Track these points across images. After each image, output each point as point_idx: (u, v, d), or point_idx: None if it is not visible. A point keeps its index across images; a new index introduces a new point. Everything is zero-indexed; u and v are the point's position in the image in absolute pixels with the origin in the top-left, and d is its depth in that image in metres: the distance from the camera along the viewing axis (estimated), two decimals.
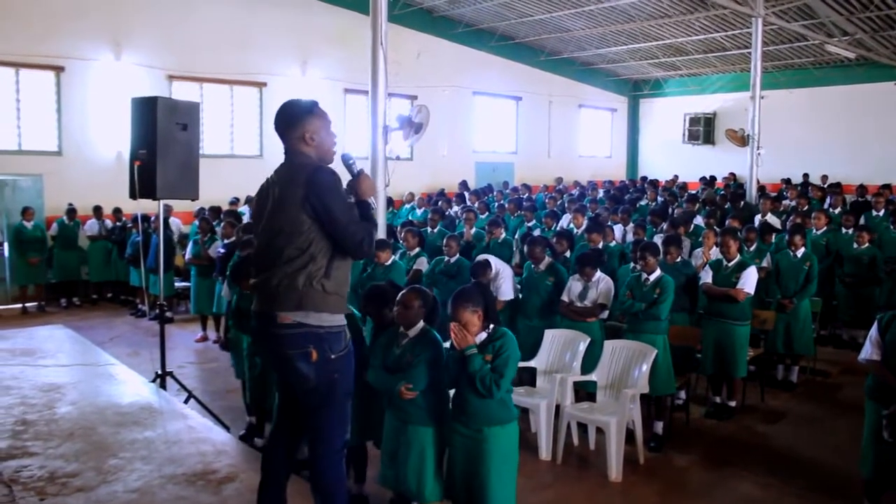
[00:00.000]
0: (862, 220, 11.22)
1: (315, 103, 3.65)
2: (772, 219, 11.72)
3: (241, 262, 6.29)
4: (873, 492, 4.88)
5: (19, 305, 12.57)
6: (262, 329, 3.59)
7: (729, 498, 5.57)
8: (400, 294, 4.51)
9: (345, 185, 3.65)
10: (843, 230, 10.45)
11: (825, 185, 17.19)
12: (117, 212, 13.35)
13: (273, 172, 3.63)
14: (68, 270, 13.12)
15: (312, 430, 3.62)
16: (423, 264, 8.49)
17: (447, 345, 4.37)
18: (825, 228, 10.36)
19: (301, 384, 3.54)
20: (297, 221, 3.41)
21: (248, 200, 13.00)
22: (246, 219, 9.96)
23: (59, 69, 13.95)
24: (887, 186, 15.44)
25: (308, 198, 3.39)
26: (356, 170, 3.74)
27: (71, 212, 13.10)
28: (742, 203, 13.97)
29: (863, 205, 13.51)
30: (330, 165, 3.60)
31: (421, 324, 4.43)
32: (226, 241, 9.46)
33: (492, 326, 4.22)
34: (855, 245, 9.77)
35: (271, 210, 3.51)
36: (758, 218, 11.68)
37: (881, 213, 11.80)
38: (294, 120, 3.58)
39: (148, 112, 6.26)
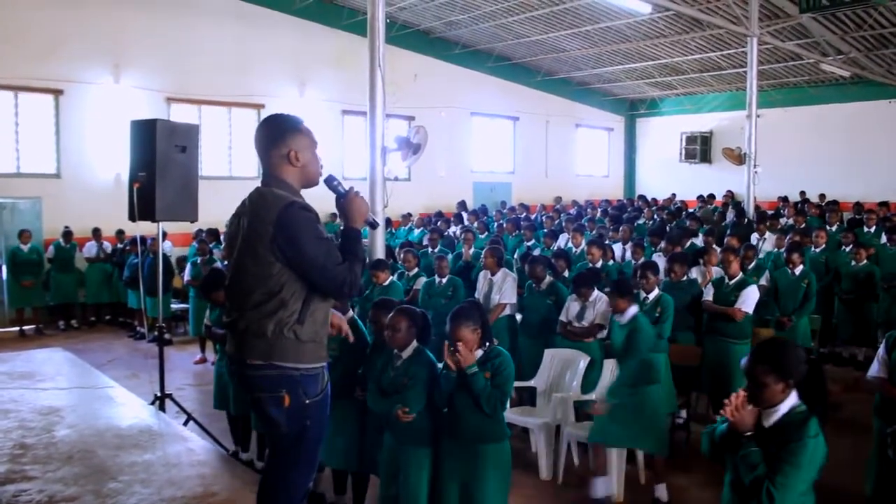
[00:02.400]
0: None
1: (301, 120, 3.30)
2: (769, 237, 11.78)
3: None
4: None
5: (17, 328, 12.54)
6: (234, 371, 3.30)
7: None
8: (388, 317, 4.50)
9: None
10: (843, 247, 10.48)
11: (823, 203, 17.25)
12: (120, 234, 13.35)
13: (247, 197, 3.26)
14: (65, 293, 13.09)
15: (274, 476, 3.32)
16: (421, 284, 8.50)
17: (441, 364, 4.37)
18: (823, 246, 10.39)
19: (270, 429, 3.27)
20: (265, 264, 3.05)
21: None
22: None
23: (58, 92, 14.01)
24: (885, 204, 15.48)
25: (276, 239, 3.02)
26: (342, 190, 3.31)
27: (67, 234, 13.09)
28: (745, 220, 14.00)
29: (860, 222, 13.57)
30: (314, 188, 3.32)
31: (414, 344, 4.41)
32: (225, 263, 9.47)
33: (487, 344, 4.23)
34: (853, 262, 9.79)
35: (240, 245, 3.17)
36: (754, 237, 11.73)
37: (872, 229, 11.93)
38: (279, 136, 3.21)
39: (147, 134, 6.28)
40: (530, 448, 6.48)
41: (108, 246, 13.47)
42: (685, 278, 7.65)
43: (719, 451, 3.22)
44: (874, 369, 4.87)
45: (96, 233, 13.35)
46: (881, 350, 4.86)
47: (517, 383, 4.52)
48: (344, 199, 3.29)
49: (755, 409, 3.09)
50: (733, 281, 7.37)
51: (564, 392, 6.39)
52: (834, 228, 12.44)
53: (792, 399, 3.13)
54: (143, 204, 6.26)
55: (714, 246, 9.76)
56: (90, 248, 13.35)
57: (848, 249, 10.22)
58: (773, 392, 3.08)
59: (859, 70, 18.69)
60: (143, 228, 6.77)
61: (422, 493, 4.26)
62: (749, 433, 3.04)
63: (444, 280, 8.20)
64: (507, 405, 4.26)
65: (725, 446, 3.14)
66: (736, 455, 3.03)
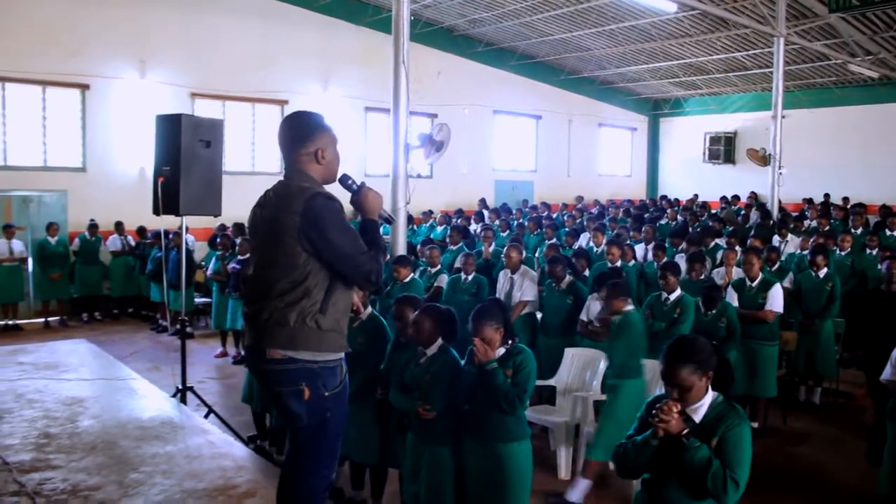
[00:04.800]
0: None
1: (324, 118, 3.36)
2: (792, 239, 11.73)
3: (242, 272, 6.36)
4: None
5: (42, 320, 12.71)
6: (253, 364, 3.34)
7: None
8: (413, 316, 4.51)
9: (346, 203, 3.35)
10: (868, 251, 10.37)
11: (847, 206, 17.05)
12: (142, 231, 13.46)
13: (270, 189, 3.31)
14: (90, 286, 13.24)
15: (295, 467, 3.33)
16: (443, 281, 8.50)
17: (463, 362, 4.37)
18: (849, 249, 10.29)
19: (291, 423, 3.28)
20: (292, 254, 3.08)
21: None
22: None
23: (84, 87, 14.16)
24: None
25: (304, 230, 3.06)
26: (355, 188, 3.37)
27: (92, 227, 13.23)
28: (770, 222, 13.90)
29: (885, 225, 13.42)
30: (331, 183, 3.35)
31: (439, 342, 4.41)
32: (240, 257, 9.56)
33: (510, 342, 4.22)
34: (879, 265, 9.67)
35: (264, 236, 3.22)
36: (776, 239, 11.65)
37: (895, 232, 11.84)
38: (306, 134, 3.26)
39: (172, 129, 6.32)
40: (549, 447, 6.46)
41: (131, 239, 13.59)
42: (703, 277, 7.64)
43: (645, 462, 3.18)
44: (887, 372, 4.90)
45: (119, 226, 13.47)
46: (894, 354, 4.86)
47: (537, 382, 4.50)
48: (357, 195, 3.34)
49: (679, 410, 3.10)
50: (756, 282, 7.32)
51: (584, 391, 6.38)
52: (859, 231, 12.31)
53: (710, 390, 3.18)
54: (168, 198, 6.29)
55: (736, 247, 9.68)
56: (114, 242, 13.48)
57: (874, 253, 10.11)
58: (699, 389, 3.13)
59: (888, 71, 18.46)
60: (167, 222, 6.81)
61: (444, 492, 4.26)
62: (687, 431, 3.03)
63: (470, 277, 8.19)
64: (527, 404, 4.23)
65: (658, 454, 3.11)
66: (684, 456, 3.01)
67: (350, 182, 3.38)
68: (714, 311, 6.77)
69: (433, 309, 4.52)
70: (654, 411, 3.10)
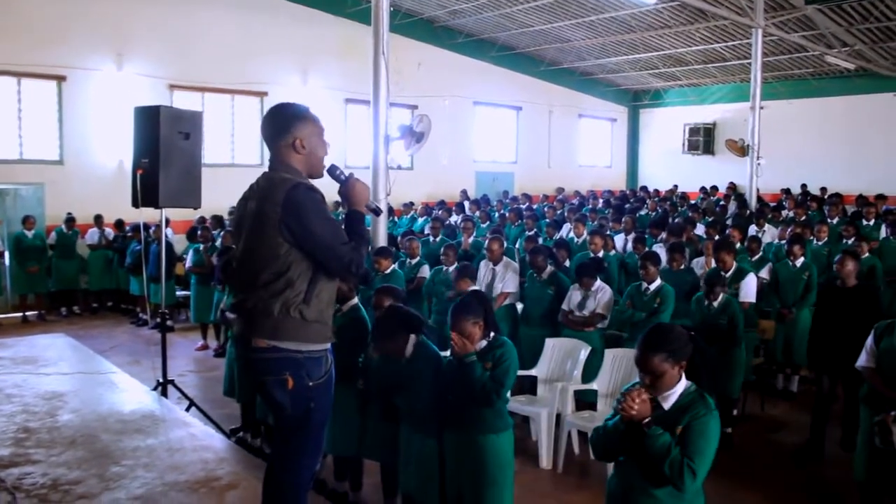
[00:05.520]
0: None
1: (307, 108, 3.37)
2: (769, 229, 11.85)
3: (227, 263, 6.33)
4: (869, 497, 4.92)
5: (20, 314, 12.58)
6: (240, 353, 3.40)
7: None
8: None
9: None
10: (845, 240, 10.48)
11: (824, 197, 17.23)
12: (120, 224, 13.35)
13: (255, 182, 3.34)
14: (67, 279, 13.12)
15: (280, 457, 3.37)
16: (425, 272, 8.52)
17: (447, 354, 4.37)
18: (825, 239, 10.39)
19: (275, 412, 3.33)
20: (273, 245, 3.12)
21: None
22: None
23: (60, 78, 14.00)
24: (882, 197, 15.51)
25: (285, 220, 3.09)
26: (343, 178, 3.38)
27: (69, 221, 13.10)
28: (748, 212, 14.02)
29: (862, 215, 13.58)
30: (318, 177, 3.37)
31: (412, 340, 4.38)
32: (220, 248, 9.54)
33: (492, 335, 4.22)
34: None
35: (248, 228, 3.25)
36: (753, 229, 11.76)
37: (871, 222, 11.98)
38: (285, 125, 3.27)
39: (150, 121, 6.27)
40: (531, 437, 6.50)
41: (110, 233, 13.48)
42: (683, 267, 7.71)
43: (615, 446, 3.22)
44: (863, 359, 4.98)
45: (98, 219, 13.36)
46: (869, 340, 4.97)
47: (518, 372, 4.51)
48: (345, 186, 3.36)
49: (649, 397, 3.12)
50: (729, 273, 7.38)
51: (566, 381, 6.41)
52: (835, 221, 12.45)
53: (683, 379, 3.20)
54: (147, 190, 6.25)
55: (715, 237, 9.77)
56: (92, 235, 13.37)
57: (850, 242, 10.22)
58: (671, 377, 3.15)
59: (864, 63, 18.64)
60: (146, 215, 6.76)
61: (433, 483, 4.27)
62: (648, 419, 3.05)
63: (451, 269, 8.21)
64: (507, 397, 4.24)
65: (624, 439, 3.14)
66: (644, 443, 3.03)
67: (338, 172, 3.40)
68: (717, 306, 6.75)
69: (386, 335, 4.40)
70: (620, 398, 3.14)
